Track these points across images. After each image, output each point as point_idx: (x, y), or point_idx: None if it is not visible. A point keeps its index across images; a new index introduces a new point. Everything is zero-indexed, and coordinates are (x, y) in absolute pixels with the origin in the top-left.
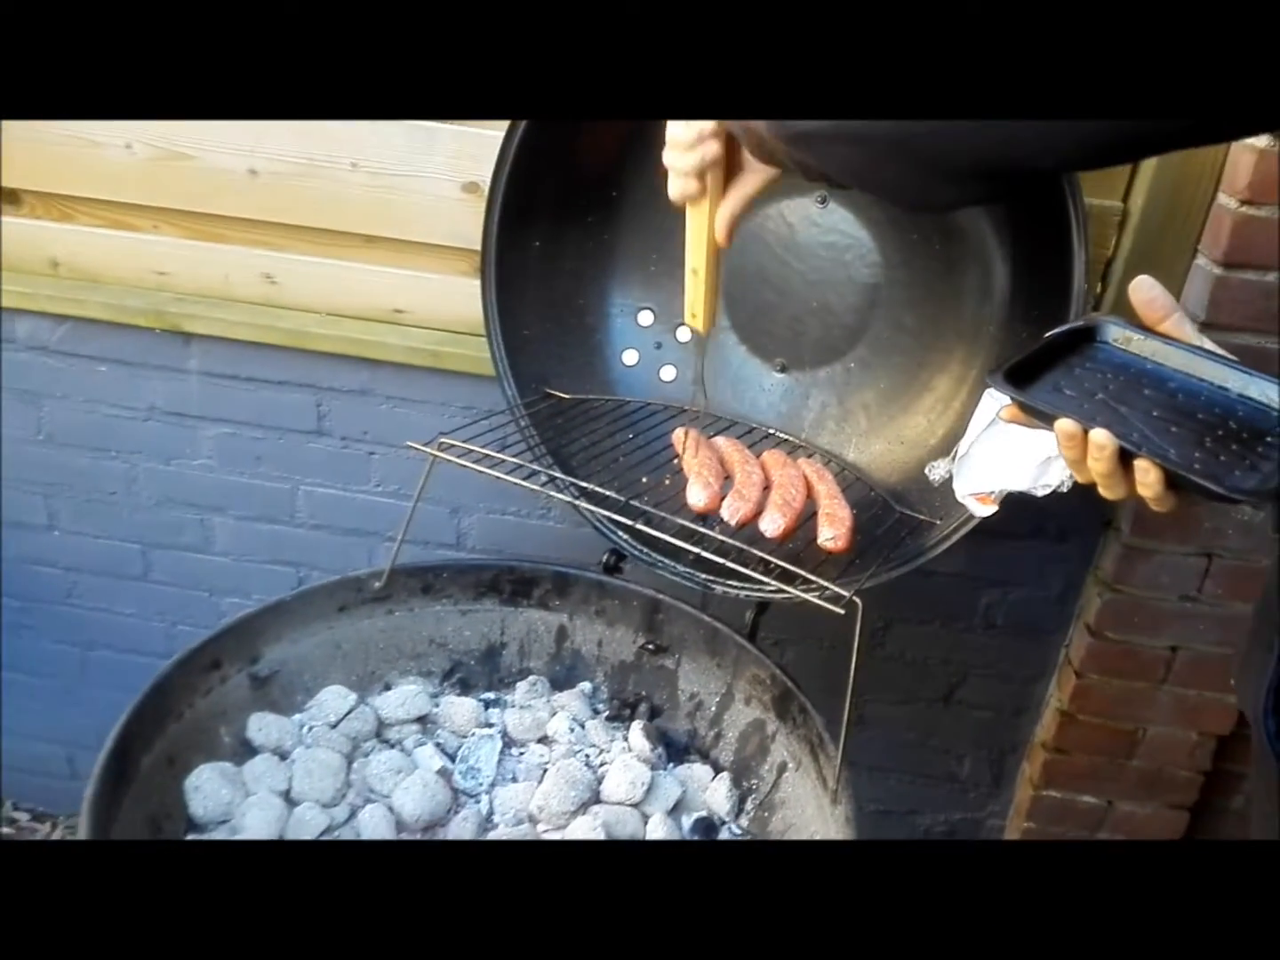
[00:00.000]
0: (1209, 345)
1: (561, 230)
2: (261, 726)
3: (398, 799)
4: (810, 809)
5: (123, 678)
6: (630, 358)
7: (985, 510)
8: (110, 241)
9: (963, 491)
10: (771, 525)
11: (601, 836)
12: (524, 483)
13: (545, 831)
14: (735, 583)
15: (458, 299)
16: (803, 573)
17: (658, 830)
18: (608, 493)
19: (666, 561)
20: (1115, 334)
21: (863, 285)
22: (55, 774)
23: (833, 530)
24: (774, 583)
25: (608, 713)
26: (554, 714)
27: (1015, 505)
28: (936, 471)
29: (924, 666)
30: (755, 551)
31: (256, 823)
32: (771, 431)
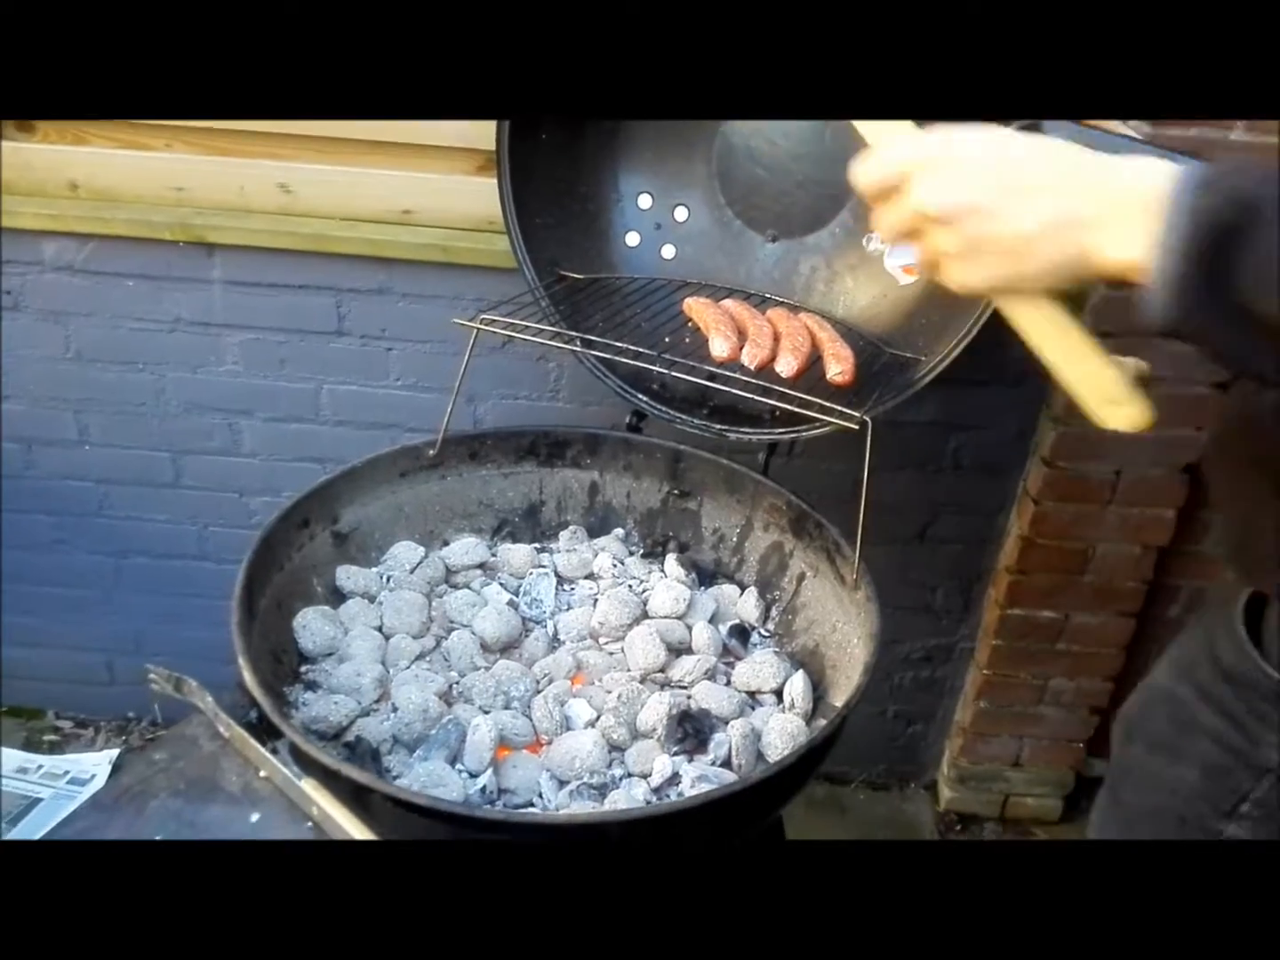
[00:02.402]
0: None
1: (566, 121)
2: (349, 576)
3: (478, 625)
4: (830, 603)
5: (157, 582)
6: (633, 239)
7: (909, 279)
8: (126, 161)
9: (891, 265)
10: (786, 366)
11: (657, 643)
12: (562, 345)
13: (606, 644)
14: (748, 429)
15: (464, 197)
16: (819, 400)
17: (701, 635)
18: (640, 348)
19: (683, 416)
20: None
21: (841, 158)
22: (95, 681)
23: (839, 365)
24: (782, 428)
25: (642, 551)
26: (596, 555)
27: (974, 353)
28: (872, 244)
29: (899, 510)
30: (778, 388)
31: (361, 651)
32: (768, 296)
